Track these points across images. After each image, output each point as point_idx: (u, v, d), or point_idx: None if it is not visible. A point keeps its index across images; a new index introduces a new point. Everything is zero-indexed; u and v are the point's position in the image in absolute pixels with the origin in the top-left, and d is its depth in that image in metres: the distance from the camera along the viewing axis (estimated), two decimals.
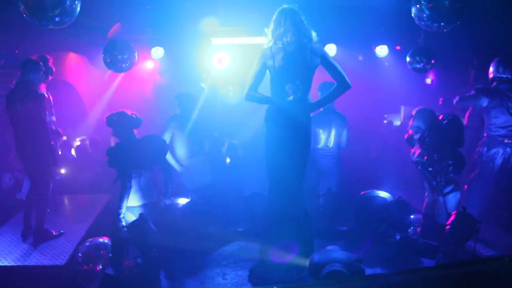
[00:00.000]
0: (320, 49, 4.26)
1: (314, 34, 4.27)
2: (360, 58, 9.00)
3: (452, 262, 4.44)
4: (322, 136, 6.07)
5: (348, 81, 4.23)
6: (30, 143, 5.17)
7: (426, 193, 5.41)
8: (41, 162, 5.26)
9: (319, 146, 6.11)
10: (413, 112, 5.25)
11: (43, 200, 5.33)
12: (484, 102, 5.45)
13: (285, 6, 4.27)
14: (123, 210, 4.74)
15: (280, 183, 4.35)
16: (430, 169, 5.05)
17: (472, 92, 5.60)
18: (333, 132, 6.10)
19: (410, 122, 5.29)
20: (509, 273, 1.96)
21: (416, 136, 5.20)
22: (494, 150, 5.52)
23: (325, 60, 4.24)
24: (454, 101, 5.66)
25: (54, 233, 5.42)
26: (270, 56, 4.17)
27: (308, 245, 4.47)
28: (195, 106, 6.18)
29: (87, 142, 8.47)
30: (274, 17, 4.27)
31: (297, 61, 4.16)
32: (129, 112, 4.90)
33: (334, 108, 6.17)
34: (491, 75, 5.61)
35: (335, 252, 4.23)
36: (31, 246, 5.21)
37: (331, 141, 6.13)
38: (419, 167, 5.18)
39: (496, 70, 5.53)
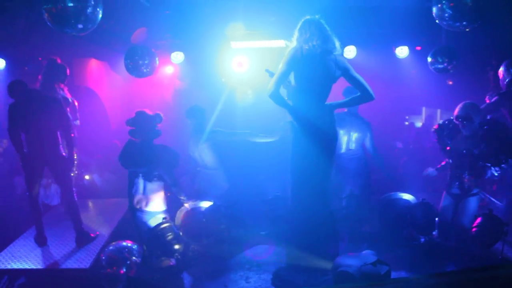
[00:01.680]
0: (343, 62, 4.31)
1: (338, 43, 4.33)
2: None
3: (480, 266, 4.36)
4: (343, 138, 6.00)
5: (372, 93, 4.28)
6: (52, 148, 5.27)
7: (443, 196, 5.32)
8: (64, 163, 5.36)
9: (342, 151, 6.04)
10: (461, 106, 5.14)
11: (74, 202, 5.42)
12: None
13: (308, 17, 4.33)
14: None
15: (306, 186, 4.35)
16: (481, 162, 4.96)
17: (495, 98, 5.53)
18: (354, 135, 6.03)
19: (456, 113, 5.16)
20: None
21: (465, 129, 5.07)
22: None
23: (347, 73, 4.29)
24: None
25: (92, 236, 5.50)
26: (299, 57, 4.21)
27: (333, 248, 4.44)
28: (205, 117, 6.16)
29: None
30: (298, 26, 4.34)
31: (320, 67, 4.22)
32: (150, 113, 4.94)
33: (357, 112, 6.10)
34: (501, 76, 5.57)
35: (362, 256, 4.15)
36: (55, 249, 5.28)
37: (353, 144, 6.05)
38: (465, 160, 5.05)
39: (507, 71, 5.49)
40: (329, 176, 4.44)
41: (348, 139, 6.05)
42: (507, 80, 5.57)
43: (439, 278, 1.90)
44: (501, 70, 5.62)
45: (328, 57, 4.23)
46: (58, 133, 5.31)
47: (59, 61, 6.04)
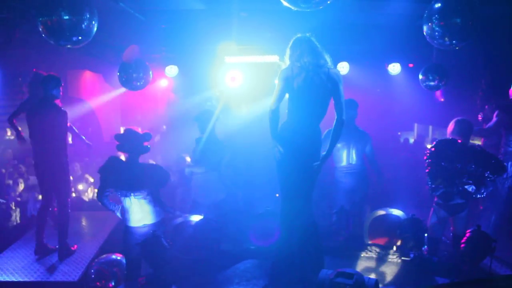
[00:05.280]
0: (335, 74, 4.31)
1: (329, 59, 4.35)
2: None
3: (468, 280, 4.38)
4: (342, 153, 6.00)
5: (344, 116, 4.28)
6: (55, 157, 5.32)
7: (430, 213, 5.34)
8: (65, 176, 5.45)
9: (342, 164, 6.02)
10: (454, 122, 5.20)
11: (65, 215, 5.44)
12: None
13: (299, 35, 4.38)
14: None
15: (289, 199, 4.40)
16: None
17: (496, 112, 5.61)
18: (354, 148, 5.98)
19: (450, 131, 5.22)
20: None
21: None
22: (510, 163, 5.52)
23: (336, 86, 4.27)
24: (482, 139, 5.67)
25: (72, 249, 5.49)
26: (291, 76, 4.24)
27: (317, 261, 4.42)
28: (209, 120, 6.17)
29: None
30: (290, 44, 4.39)
31: (315, 83, 4.23)
32: (139, 131, 4.91)
33: (355, 124, 6.06)
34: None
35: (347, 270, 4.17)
36: (44, 262, 5.26)
37: (353, 158, 6.00)
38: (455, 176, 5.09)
39: None
40: (311, 188, 4.45)
41: (348, 153, 5.99)
42: None
43: None
44: None
45: (319, 71, 4.24)
46: (60, 141, 5.40)
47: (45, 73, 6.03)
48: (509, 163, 5.57)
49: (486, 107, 6.53)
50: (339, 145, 5.86)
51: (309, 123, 4.34)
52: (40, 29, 4.15)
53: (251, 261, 5.38)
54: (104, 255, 5.08)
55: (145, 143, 4.70)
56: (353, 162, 6.00)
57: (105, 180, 4.60)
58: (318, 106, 4.32)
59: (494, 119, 5.72)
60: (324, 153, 4.38)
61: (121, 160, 4.75)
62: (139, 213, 4.64)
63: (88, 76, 9.72)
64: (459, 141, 5.08)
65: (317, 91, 4.25)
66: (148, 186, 4.64)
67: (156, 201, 4.82)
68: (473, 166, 4.94)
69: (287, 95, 4.34)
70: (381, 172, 6.14)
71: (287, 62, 4.41)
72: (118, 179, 4.56)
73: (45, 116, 5.29)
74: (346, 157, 5.98)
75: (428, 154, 5.13)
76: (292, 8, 4.02)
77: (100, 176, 4.63)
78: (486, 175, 4.90)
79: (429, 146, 5.31)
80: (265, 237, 5.58)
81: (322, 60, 4.29)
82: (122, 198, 4.64)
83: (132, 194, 4.60)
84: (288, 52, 4.40)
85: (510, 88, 5.77)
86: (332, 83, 4.25)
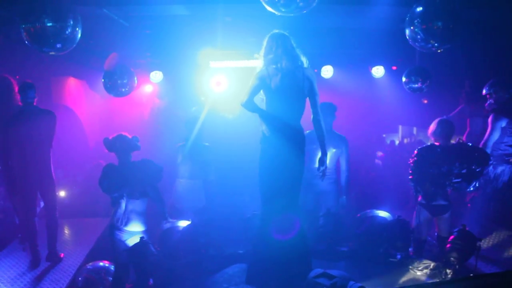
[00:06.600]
0: (310, 74, 4.30)
1: (304, 59, 4.31)
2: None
3: (455, 278, 4.46)
4: (318, 153, 5.95)
5: (320, 116, 4.30)
6: (44, 163, 5.27)
7: (414, 214, 5.40)
8: (52, 180, 5.40)
9: (315, 165, 5.98)
10: (436, 122, 5.27)
11: (54, 219, 5.42)
12: (504, 122, 5.57)
13: (275, 31, 4.32)
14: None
15: (274, 202, 4.32)
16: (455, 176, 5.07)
17: (492, 116, 5.68)
18: (330, 152, 5.96)
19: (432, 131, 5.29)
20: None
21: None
22: (500, 168, 5.63)
23: (311, 86, 4.27)
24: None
25: (61, 256, 5.46)
26: (266, 76, 4.21)
27: (305, 265, 4.39)
28: (194, 127, 6.15)
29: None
30: (264, 42, 4.32)
31: (291, 84, 4.21)
32: (128, 135, 4.92)
33: (331, 128, 6.08)
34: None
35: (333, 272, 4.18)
36: (31, 270, 5.19)
37: (327, 161, 5.98)
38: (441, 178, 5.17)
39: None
40: (298, 191, 4.43)
41: None
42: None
43: None
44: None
45: (295, 71, 4.22)
46: (47, 147, 5.34)
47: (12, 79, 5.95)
48: (499, 168, 5.63)
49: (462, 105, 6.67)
50: (314, 146, 5.83)
51: (289, 122, 4.29)
52: (24, 36, 4.13)
53: (239, 266, 5.37)
54: (91, 262, 5.04)
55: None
56: (327, 165, 5.99)
57: (108, 190, 4.61)
58: (296, 105, 4.29)
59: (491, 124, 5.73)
60: (320, 155, 4.40)
61: (114, 165, 4.77)
62: (133, 218, 4.66)
63: (72, 83, 9.64)
64: (438, 143, 5.16)
65: (294, 90, 4.23)
66: (143, 181, 4.66)
67: (155, 199, 4.83)
68: (458, 165, 5.02)
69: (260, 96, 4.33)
70: (349, 179, 6.12)
71: (261, 60, 4.35)
72: (115, 184, 4.58)
73: (33, 121, 5.20)
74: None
75: (412, 165, 5.20)
76: (276, 13, 4.05)
77: (101, 187, 4.63)
78: (473, 167, 4.99)
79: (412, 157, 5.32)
80: (253, 241, 5.59)
81: (298, 62, 4.26)
82: (120, 201, 4.66)
83: (129, 195, 4.62)
84: (262, 50, 4.32)
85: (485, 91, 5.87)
86: (307, 83, 4.25)
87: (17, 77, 7.43)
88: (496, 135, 5.59)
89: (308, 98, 4.33)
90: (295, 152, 4.35)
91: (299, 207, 4.48)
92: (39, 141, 5.25)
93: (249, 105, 4.22)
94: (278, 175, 4.30)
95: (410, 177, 5.24)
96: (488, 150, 5.46)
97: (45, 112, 5.36)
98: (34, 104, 5.26)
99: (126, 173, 4.69)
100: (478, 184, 5.21)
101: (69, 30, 4.15)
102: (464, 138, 5.97)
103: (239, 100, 4.24)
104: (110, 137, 4.81)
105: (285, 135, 4.27)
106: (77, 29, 4.25)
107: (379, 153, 9.64)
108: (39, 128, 5.26)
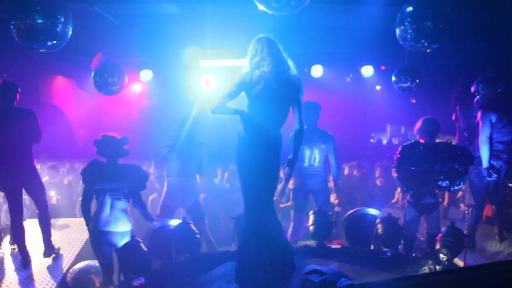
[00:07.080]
0: (295, 83, 4.14)
1: (292, 64, 4.19)
2: (348, 79, 9.14)
3: (445, 270, 4.51)
4: (306, 152, 5.96)
5: (303, 125, 4.14)
6: (27, 162, 5.19)
7: (404, 211, 5.45)
8: (38, 177, 5.34)
9: (304, 165, 6.03)
10: (421, 120, 5.30)
11: (47, 214, 5.37)
12: (493, 117, 5.62)
13: (261, 35, 4.20)
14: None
15: (255, 201, 4.24)
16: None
17: (480, 112, 5.72)
18: (317, 150, 5.99)
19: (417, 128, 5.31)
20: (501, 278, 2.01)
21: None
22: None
23: (295, 96, 4.12)
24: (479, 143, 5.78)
25: (56, 249, 5.44)
26: (249, 82, 4.10)
27: (287, 262, 4.34)
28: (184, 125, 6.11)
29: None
30: (250, 46, 4.20)
31: (273, 93, 4.08)
32: (116, 136, 4.89)
33: (316, 126, 6.05)
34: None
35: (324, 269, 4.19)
36: (20, 271, 5.14)
37: (316, 160, 6.01)
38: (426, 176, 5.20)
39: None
40: (275, 182, 4.37)
41: (311, 154, 5.99)
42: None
43: (404, 282, 1.97)
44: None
45: (279, 78, 4.07)
46: (31, 145, 5.23)
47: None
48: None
49: (457, 107, 6.71)
50: (303, 146, 5.80)
51: (269, 129, 4.16)
52: (13, 33, 4.08)
53: (231, 264, 5.37)
54: (81, 263, 5.01)
55: (124, 147, 4.72)
56: (315, 164, 6.02)
57: (88, 181, 4.60)
58: (277, 113, 4.16)
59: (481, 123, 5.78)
60: (291, 157, 4.23)
61: (102, 161, 4.75)
62: (120, 217, 4.64)
63: (60, 81, 9.56)
64: (422, 141, 5.20)
65: (276, 100, 4.10)
66: (127, 185, 4.65)
67: (137, 204, 4.82)
68: (440, 163, 5.07)
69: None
70: (339, 174, 6.14)
71: (247, 64, 4.23)
72: (99, 178, 4.57)
73: (12, 121, 5.07)
74: (308, 158, 6.01)
75: (395, 162, 5.24)
76: (268, 11, 4.04)
77: (82, 177, 4.62)
78: (456, 167, 5.04)
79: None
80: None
81: (284, 67, 4.13)
82: (101, 198, 4.64)
83: (111, 194, 4.60)
84: (248, 53, 4.19)
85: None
86: (291, 91, 4.11)
87: (4, 75, 7.37)
88: (487, 130, 5.64)
89: (291, 106, 4.19)
90: (270, 155, 4.21)
91: (273, 208, 4.42)
92: (20, 140, 5.13)
93: (220, 109, 4.10)
94: (256, 175, 4.18)
95: (395, 174, 5.29)
96: (484, 146, 5.53)
97: (25, 111, 5.25)
98: (15, 104, 5.18)
99: (112, 172, 4.67)
100: (463, 183, 5.26)
101: (59, 27, 4.12)
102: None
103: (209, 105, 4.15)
104: (100, 136, 4.80)
105: (260, 137, 4.14)
106: (68, 26, 4.22)
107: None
108: (20, 128, 5.14)
